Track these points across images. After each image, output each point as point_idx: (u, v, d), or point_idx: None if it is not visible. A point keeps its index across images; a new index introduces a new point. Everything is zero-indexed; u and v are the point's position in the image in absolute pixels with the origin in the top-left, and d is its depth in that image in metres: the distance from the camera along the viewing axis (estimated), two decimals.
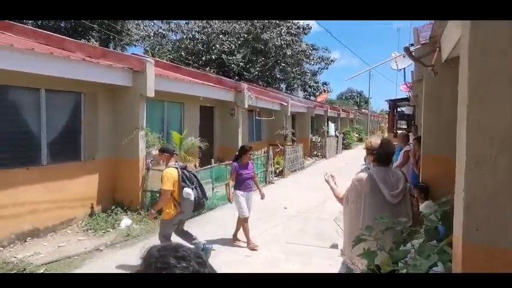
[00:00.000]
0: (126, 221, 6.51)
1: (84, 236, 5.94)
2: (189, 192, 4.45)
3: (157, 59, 15.17)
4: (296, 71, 26.22)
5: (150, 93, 6.97)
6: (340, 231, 4.76)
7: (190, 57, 22.61)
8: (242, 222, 5.58)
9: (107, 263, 4.81)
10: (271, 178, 10.92)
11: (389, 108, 16.50)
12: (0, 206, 5.26)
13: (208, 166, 8.24)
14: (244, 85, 11.23)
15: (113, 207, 6.82)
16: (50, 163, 6.01)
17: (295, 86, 27.18)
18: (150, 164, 7.22)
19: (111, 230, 6.18)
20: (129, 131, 6.89)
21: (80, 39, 14.33)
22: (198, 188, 4.62)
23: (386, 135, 21.72)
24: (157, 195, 7.14)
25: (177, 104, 9.24)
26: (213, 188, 8.04)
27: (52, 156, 6.06)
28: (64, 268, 4.71)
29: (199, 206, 4.79)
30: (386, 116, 24.03)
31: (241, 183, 5.55)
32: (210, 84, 10.12)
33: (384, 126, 35.79)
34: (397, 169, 3.31)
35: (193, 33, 23.11)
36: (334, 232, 5.87)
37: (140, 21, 23.56)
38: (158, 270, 0.83)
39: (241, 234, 5.67)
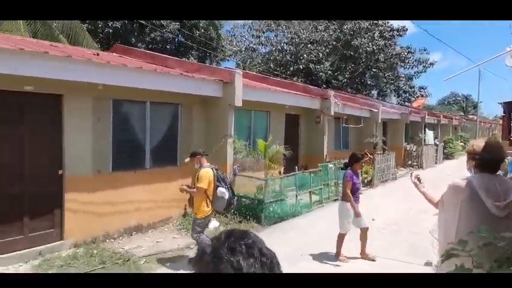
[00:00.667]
0: (214, 223, 6.89)
1: (178, 234, 6.52)
2: (224, 191, 4.79)
3: (247, 71, 15.97)
4: (389, 76, 24.64)
5: (238, 103, 7.36)
6: (435, 244, 4.27)
7: (278, 69, 23.22)
8: (340, 235, 5.26)
9: None
10: None
11: (503, 112, 14.20)
12: (113, 204, 6.14)
13: (292, 173, 8.27)
14: (331, 92, 11.03)
15: None
16: (152, 167, 6.80)
17: (388, 91, 25.52)
18: (237, 170, 7.58)
19: None
20: (219, 139, 7.38)
21: (182, 58, 16.00)
22: (229, 189, 4.92)
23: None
24: (244, 199, 7.45)
25: (264, 113, 9.55)
26: (296, 196, 8.02)
27: (153, 161, 6.85)
28: (160, 261, 5.24)
29: (230, 205, 5.05)
30: (501, 122, 20.71)
31: (353, 193, 5.17)
32: (295, 92, 10.20)
33: (498, 134, 30.94)
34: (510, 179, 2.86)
35: (282, 44, 23.69)
36: (430, 246, 5.26)
37: (233, 38, 25.23)
38: (211, 261, 0.85)
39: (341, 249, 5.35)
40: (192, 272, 0.91)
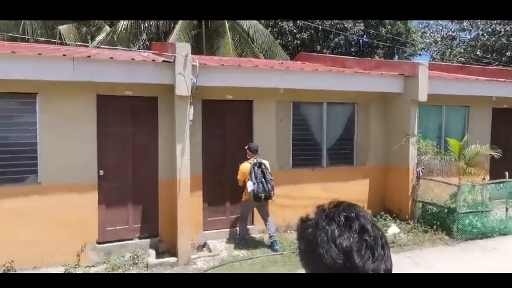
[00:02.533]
0: (393, 229, 6.44)
1: None
2: (249, 185, 5.50)
3: (441, 63, 13.95)
4: None
5: (422, 98, 6.58)
6: None
7: (488, 56, 19.03)
8: None
9: None
10: None
11: None
12: (293, 198, 6.66)
13: (497, 180, 6.61)
14: None
15: (382, 213, 6.92)
16: (328, 166, 6.98)
17: None
18: (422, 173, 6.75)
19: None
20: (399, 138, 6.80)
21: (366, 58, 15.63)
22: (259, 184, 5.50)
23: None
24: (430, 206, 6.57)
25: (460, 108, 8.08)
26: (506, 209, 6.37)
27: (330, 160, 7.01)
28: None
29: (257, 199, 5.53)
30: None
31: None
32: (507, 80, 8.13)
33: None
34: None
35: (493, 26, 19.29)
36: None
37: (426, 29, 22.57)
38: (309, 225, 0.89)
39: None
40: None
